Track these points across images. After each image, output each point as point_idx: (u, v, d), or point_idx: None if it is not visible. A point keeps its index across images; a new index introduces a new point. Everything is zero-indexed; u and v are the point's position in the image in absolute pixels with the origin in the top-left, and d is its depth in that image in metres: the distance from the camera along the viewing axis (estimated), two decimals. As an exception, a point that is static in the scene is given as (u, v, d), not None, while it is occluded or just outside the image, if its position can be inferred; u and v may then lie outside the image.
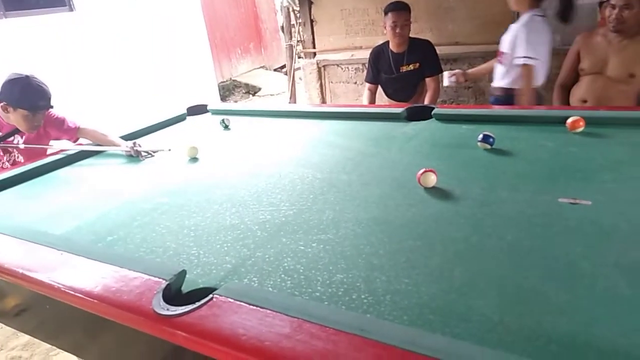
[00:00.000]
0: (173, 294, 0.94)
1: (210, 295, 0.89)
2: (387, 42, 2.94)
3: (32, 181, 1.83)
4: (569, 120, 1.68)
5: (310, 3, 3.88)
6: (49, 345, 2.21)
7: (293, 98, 4.76)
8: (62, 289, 1.00)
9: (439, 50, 2.94)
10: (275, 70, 9.38)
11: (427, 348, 0.71)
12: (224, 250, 1.14)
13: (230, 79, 8.48)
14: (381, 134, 1.94)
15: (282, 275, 1.01)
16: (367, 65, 3.11)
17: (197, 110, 2.64)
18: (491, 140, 1.61)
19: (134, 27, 5.89)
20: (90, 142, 2.16)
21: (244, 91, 8.24)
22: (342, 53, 3.90)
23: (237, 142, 2.11)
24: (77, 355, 1.53)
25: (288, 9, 4.31)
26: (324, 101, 4.09)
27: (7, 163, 2.14)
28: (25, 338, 2.43)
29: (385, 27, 2.86)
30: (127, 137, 2.18)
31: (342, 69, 3.94)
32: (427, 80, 2.90)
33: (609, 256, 0.96)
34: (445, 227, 1.15)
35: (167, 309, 0.87)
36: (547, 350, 0.74)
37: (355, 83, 3.90)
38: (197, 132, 2.33)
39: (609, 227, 1.07)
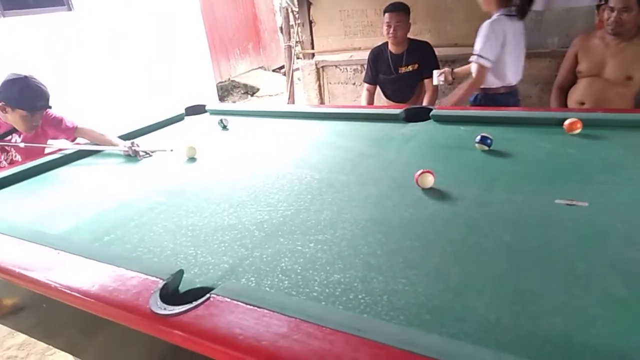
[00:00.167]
0: (170, 294, 0.94)
1: (208, 295, 0.89)
2: (387, 42, 2.94)
3: (30, 180, 1.83)
4: (567, 122, 1.69)
5: (309, 4, 3.89)
6: (45, 345, 2.21)
7: (291, 99, 4.76)
8: (59, 288, 1.00)
9: (438, 51, 2.94)
10: (273, 70, 9.39)
11: (424, 348, 0.71)
12: (222, 250, 1.14)
13: (229, 79, 8.48)
14: (379, 134, 1.94)
15: (280, 275, 1.01)
16: (366, 65, 3.12)
17: (196, 110, 2.64)
18: (489, 141, 1.61)
19: (132, 27, 5.88)
20: (88, 142, 2.16)
21: (242, 91, 8.24)
22: (340, 54, 3.90)
23: (235, 142, 2.11)
24: (73, 355, 1.53)
25: (287, 9, 4.31)
26: (322, 102, 4.09)
27: (4, 162, 2.13)
28: (21, 337, 2.43)
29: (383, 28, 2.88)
30: (125, 137, 2.18)
31: (340, 69, 3.95)
32: (426, 81, 2.90)
33: (605, 257, 0.97)
34: (442, 228, 1.15)
35: (164, 309, 0.87)
36: (543, 350, 0.74)
37: (354, 84, 3.91)
38: (196, 132, 2.33)
39: (605, 228, 1.08)
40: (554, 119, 1.79)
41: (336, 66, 3.95)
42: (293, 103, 4.75)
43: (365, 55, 3.15)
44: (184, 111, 2.60)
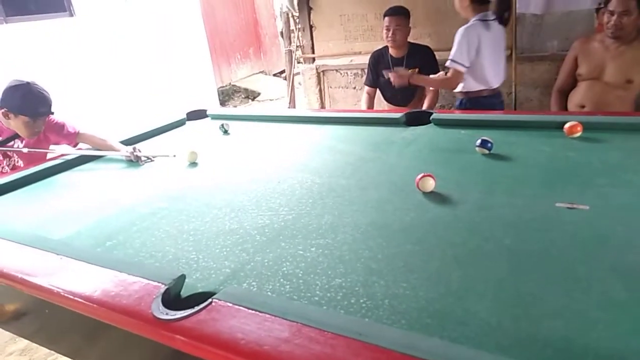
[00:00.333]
0: (172, 299, 0.94)
1: (209, 300, 0.89)
2: (387, 46, 2.95)
3: (32, 185, 1.84)
4: (567, 126, 1.69)
5: (310, 9, 3.90)
6: (48, 350, 2.20)
7: (292, 103, 4.77)
8: (62, 294, 1.00)
9: (438, 55, 2.94)
10: (274, 75, 9.40)
11: (425, 352, 0.71)
12: (223, 254, 1.14)
13: (230, 83, 8.49)
14: (380, 138, 1.95)
15: (281, 280, 1.01)
16: (366, 69, 3.13)
17: (197, 115, 2.65)
18: (489, 145, 1.62)
19: (134, 33, 5.91)
20: (90, 147, 2.17)
21: (243, 96, 8.26)
22: (341, 58, 3.91)
23: (237, 147, 2.12)
24: (75, 360, 1.53)
25: (287, 14, 4.32)
26: (323, 106, 4.10)
27: (6, 167, 2.14)
28: (23, 343, 2.43)
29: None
30: (127, 142, 2.18)
31: (341, 74, 3.96)
32: (426, 85, 2.91)
33: (605, 260, 0.97)
34: (443, 232, 1.16)
35: (166, 314, 0.87)
36: (544, 354, 0.74)
37: (354, 88, 3.92)
38: (197, 136, 2.34)
39: (605, 231, 1.08)
40: (554, 122, 1.79)
41: (337, 70, 3.96)
42: (294, 107, 4.75)
43: (365, 59, 3.16)
44: (185, 116, 2.61)
